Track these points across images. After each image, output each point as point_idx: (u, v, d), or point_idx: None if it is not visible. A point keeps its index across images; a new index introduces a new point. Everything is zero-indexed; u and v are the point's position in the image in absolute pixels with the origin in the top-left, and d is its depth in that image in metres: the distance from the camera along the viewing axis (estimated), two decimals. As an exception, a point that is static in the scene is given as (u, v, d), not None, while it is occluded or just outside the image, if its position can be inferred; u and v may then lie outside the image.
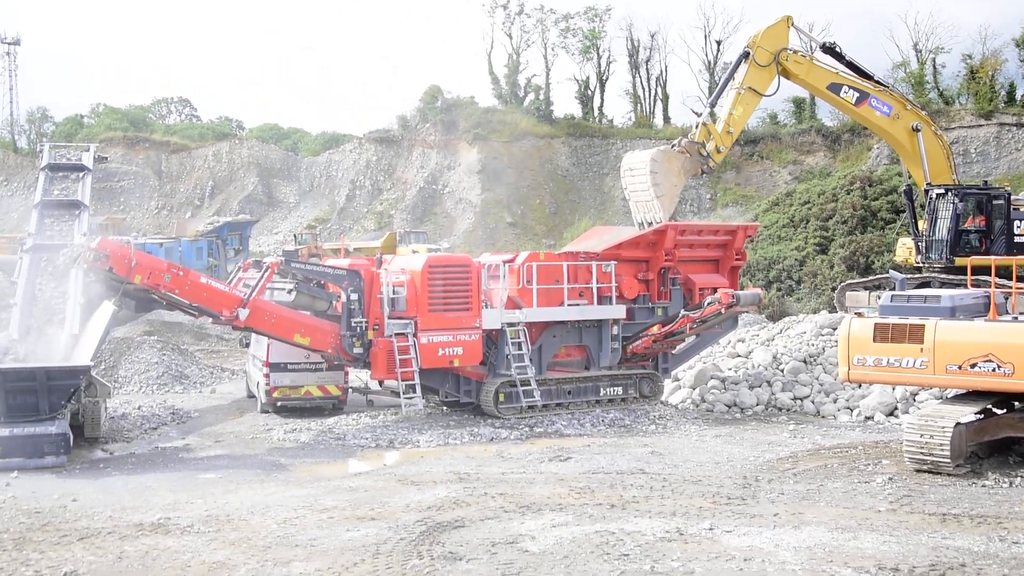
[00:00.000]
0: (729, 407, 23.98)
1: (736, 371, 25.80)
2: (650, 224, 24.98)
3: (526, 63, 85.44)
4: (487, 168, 75.05)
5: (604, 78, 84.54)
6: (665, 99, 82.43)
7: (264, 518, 13.74)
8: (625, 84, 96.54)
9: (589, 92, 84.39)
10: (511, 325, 22.41)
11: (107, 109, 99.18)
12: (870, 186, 47.68)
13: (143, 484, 16.23)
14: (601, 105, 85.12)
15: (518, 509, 13.97)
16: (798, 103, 74.09)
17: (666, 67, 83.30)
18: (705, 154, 25.96)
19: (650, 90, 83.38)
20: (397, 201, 76.92)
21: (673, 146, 26.34)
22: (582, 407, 23.17)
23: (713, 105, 27.05)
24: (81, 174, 27.46)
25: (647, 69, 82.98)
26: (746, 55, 26.72)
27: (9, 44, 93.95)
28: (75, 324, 20.47)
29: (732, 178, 70.60)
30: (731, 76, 27.10)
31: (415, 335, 21.39)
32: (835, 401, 23.53)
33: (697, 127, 26.22)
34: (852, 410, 22.96)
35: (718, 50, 79.62)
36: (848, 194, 47.45)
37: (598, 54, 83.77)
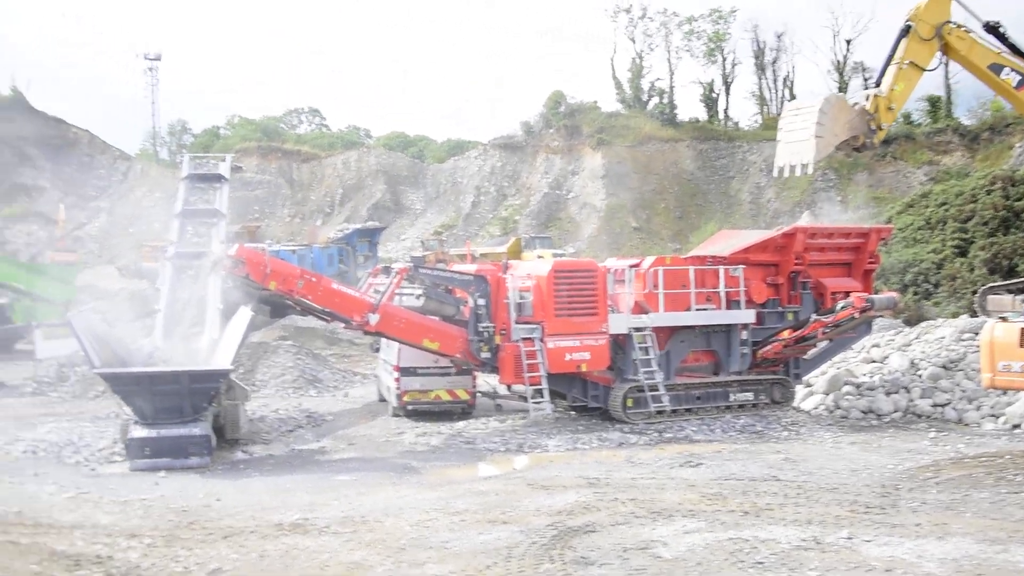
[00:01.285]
0: (865, 413, 23.30)
1: (871, 377, 25.06)
2: (792, 168, 24.15)
3: (649, 67, 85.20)
4: (611, 173, 74.91)
5: (729, 80, 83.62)
6: (792, 100, 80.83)
7: (398, 520, 13.97)
8: (751, 86, 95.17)
9: (714, 95, 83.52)
10: (638, 330, 22.26)
11: (242, 120, 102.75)
12: (1013, 186, 45.64)
13: (281, 485, 16.70)
14: (726, 108, 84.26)
15: (649, 515, 13.86)
16: (933, 102, 71.75)
17: (793, 68, 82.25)
18: (872, 128, 24.93)
19: (777, 91, 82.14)
20: (522, 206, 77.39)
21: (854, 103, 25.38)
22: (712, 413, 22.85)
23: (878, 84, 25.87)
24: (219, 184, 28.45)
25: (774, 70, 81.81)
26: (907, 29, 25.61)
27: (151, 60, 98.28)
28: (215, 329, 21.23)
29: (864, 179, 68.76)
30: (892, 53, 26.02)
31: (542, 340, 21.44)
32: (979, 408, 22.62)
33: (868, 99, 25.25)
34: (997, 418, 22.04)
35: (847, 49, 77.78)
36: (989, 195, 45.53)
37: (723, 56, 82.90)
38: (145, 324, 26.73)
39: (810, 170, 23.94)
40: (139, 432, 18.18)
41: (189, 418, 18.39)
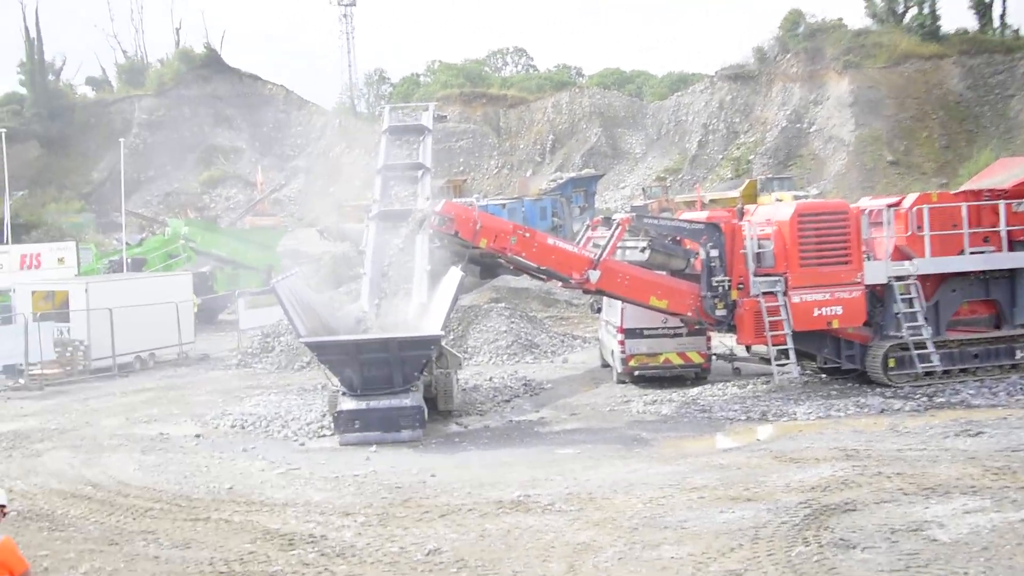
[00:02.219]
0: None
1: None
2: None
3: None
4: (861, 99, 71.95)
5: (1006, -20, 78.42)
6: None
7: (628, 497, 14.03)
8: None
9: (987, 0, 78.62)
10: (900, 279, 21.37)
11: (443, 66, 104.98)
12: None
13: (499, 459, 17.08)
14: (1003, 14, 79.13)
15: (920, 491, 13.36)
16: None
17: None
18: None
19: (1065, -11, 76.34)
20: (756, 144, 75.63)
21: None
22: (993, 373, 21.68)
23: None
24: (421, 135, 29.09)
25: (1062, -36, 76.00)
26: None
27: (345, 6, 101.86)
28: (423, 292, 21.80)
29: None
30: None
31: (785, 294, 20.91)
32: None
33: None
34: None
35: None
36: None
37: (997, -48, 77.80)
38: (350, 289, 27.85)
39: None
40: (348, 404, 18.99)
41: (399, 388, 19.06)
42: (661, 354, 23.33)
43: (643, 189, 68.05)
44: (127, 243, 47.17)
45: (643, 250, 22.06)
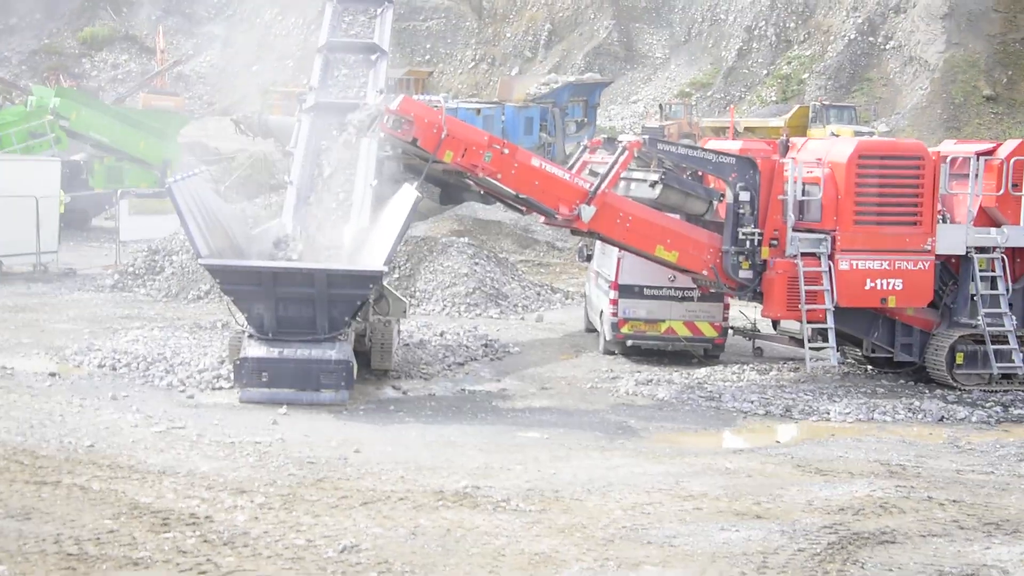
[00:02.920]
0: None
1: None
2: None
3: None
4: (958, 10, 71.71)
5: None
6: None
7: (605, 499, 14.19)
8: None
9: None
10: (982, 251, 21.54)
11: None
12: None
13: (445, 438, 17.23)
14: None
15: (981, 526, 13.57)
16: None
17: None
18: None
19: None
20: (812, 60, 75.51)
21: None
22: (1089, 382, 22.04)
23: None
24: (379, 7, 28.86)
25: None
26: None
27: None
28: (365, 214, 21.77)
29: None
30: None
31: (831, 257, 21.07)
32: None
33: None
34: None
35: None
36: None
37: None
38: (271, 201, 27.76)
39: None
40: (255, 351, 19.04)
41: (324, 336, 19.13)
42: (664, 321, 23.47)
43: (660, 106, 67.88)
44: (-26, 114, 46.61)
45: (653, 185, 21.99)
